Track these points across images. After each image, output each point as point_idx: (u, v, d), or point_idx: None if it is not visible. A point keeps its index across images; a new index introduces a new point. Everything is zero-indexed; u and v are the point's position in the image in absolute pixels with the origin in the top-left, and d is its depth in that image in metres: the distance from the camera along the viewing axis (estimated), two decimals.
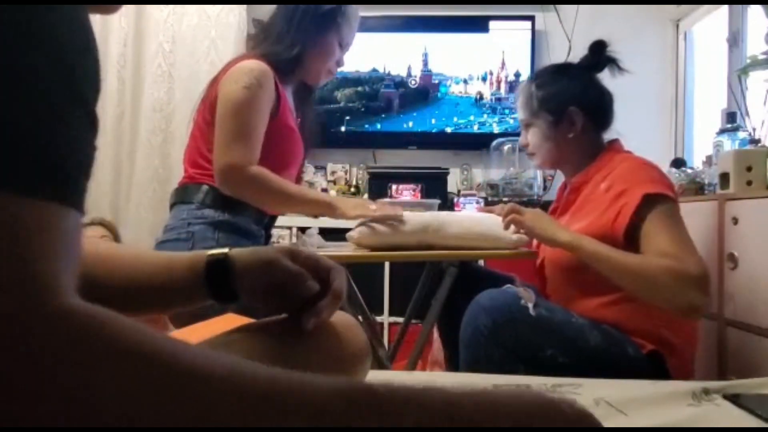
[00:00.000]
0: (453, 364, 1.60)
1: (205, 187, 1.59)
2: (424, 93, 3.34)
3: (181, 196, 1.62)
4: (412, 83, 3.34)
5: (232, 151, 1.51)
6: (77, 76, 0.41)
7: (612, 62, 1.66)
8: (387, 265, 2.85)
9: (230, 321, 0.95)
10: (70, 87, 0.40)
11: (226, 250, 0.76)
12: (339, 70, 1.80)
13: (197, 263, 0.74)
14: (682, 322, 1.47)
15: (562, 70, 1.70)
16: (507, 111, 3.27)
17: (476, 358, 1.40)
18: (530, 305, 1.39)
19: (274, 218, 1.77)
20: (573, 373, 1.23)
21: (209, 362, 0.35)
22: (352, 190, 3.29)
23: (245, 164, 1.51)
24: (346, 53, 1.76)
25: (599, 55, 1.67)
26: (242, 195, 1.56)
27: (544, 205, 1.80)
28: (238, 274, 0.71)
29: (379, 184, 3.11)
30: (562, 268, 1.53)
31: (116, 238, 2.58)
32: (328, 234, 2.01)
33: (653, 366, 1.44)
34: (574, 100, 1.60)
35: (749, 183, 1.70)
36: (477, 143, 3.26)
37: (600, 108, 1.64)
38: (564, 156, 1.65)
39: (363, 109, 3.35)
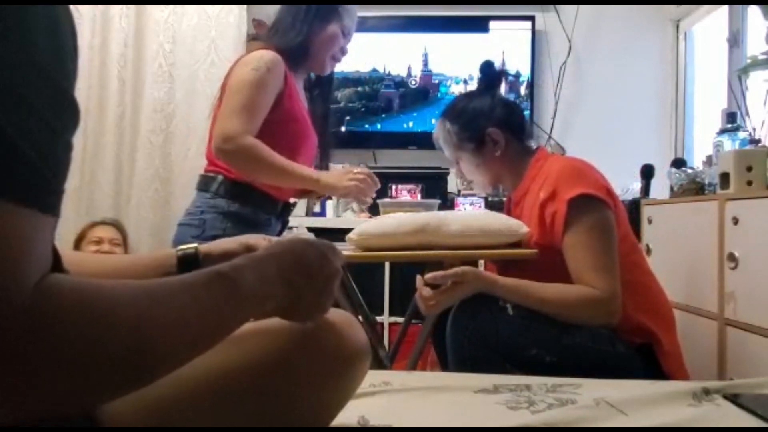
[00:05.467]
0: (444, 364, 1.61)
1: (220, 178, 1.68)
2: (424, 93, 3.33)
3: (201, 184, 1.73)
4: (412, 83, 3.34)
5: (231, 121, 1.56)
6: (58, 75, 0.42)
7: (506, 75, 1.81)
8: (387, 265, 2.85)
9: None
10: (51, 90, 0.42)
11: (195, 245, 0.87)
12: (339, 70, 1.83)
13: (164, 259, 0.83)
14: (656, 305, 1.54)
15: (466, 98, 1.77)
16: None
17: (462, 359, 1.41)
18: (509, 305, 1.42)
19: (287, 206, 1.82)
20: (565, 373, 1.24)
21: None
22: None
23: (242, 134, 1.54)
24: (348, 42, 1.82)
25: (491, 73, 1.77)
26: (235, 164, 1.61)
27: None
28: (204, 265, 0.76)
29: None
30: (536, 271, 1.52)
31: (125, 239, 2.64)
32: (329, 234, 2.01)
33: (645, 359, 1.45)
34: (487, 121, 1.66)
35: (749, 183, 1.70)
36: None
37: (513, 120, 1.69)
38: (499, 174, 1.71)
39: (363, 109, 3.35)
